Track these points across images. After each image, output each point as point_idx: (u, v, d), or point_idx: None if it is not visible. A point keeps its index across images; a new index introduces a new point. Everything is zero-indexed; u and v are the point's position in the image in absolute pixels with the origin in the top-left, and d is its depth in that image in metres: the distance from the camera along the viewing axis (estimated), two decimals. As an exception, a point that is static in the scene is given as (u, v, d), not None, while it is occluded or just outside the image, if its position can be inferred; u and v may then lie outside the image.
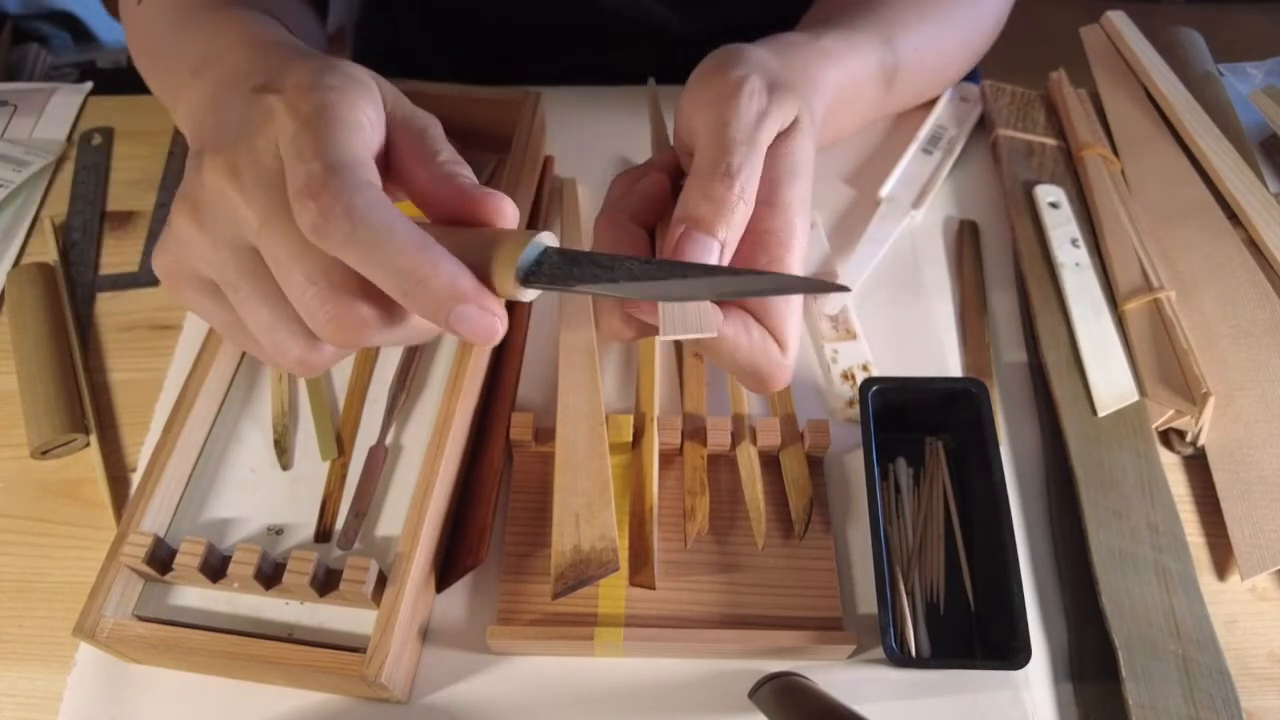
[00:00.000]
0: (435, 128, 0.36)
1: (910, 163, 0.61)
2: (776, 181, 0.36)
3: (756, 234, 0.35)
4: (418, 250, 0.29)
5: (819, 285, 0.32)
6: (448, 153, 0.35)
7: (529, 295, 0.32)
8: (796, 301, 0.36)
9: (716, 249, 0.33)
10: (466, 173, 0.34)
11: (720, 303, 0.35)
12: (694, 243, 0.33)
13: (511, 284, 0.31)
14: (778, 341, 0.35)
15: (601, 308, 0.37)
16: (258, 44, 0.40)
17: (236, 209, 0.31)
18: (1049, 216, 0.57)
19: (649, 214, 0.38)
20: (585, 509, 0.42)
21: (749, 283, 0.31)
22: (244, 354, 0.49)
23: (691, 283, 0.31)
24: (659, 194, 0.39)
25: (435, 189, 0.34)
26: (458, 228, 0.33)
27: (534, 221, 0.57)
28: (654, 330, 0.35)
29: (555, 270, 0.31)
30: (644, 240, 0.37)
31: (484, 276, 0.31)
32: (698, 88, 0.38)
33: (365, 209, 0.29)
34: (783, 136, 0.37)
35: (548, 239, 0.32)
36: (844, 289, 0.32)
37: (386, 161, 0.36)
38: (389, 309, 0.32)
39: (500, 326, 0.31)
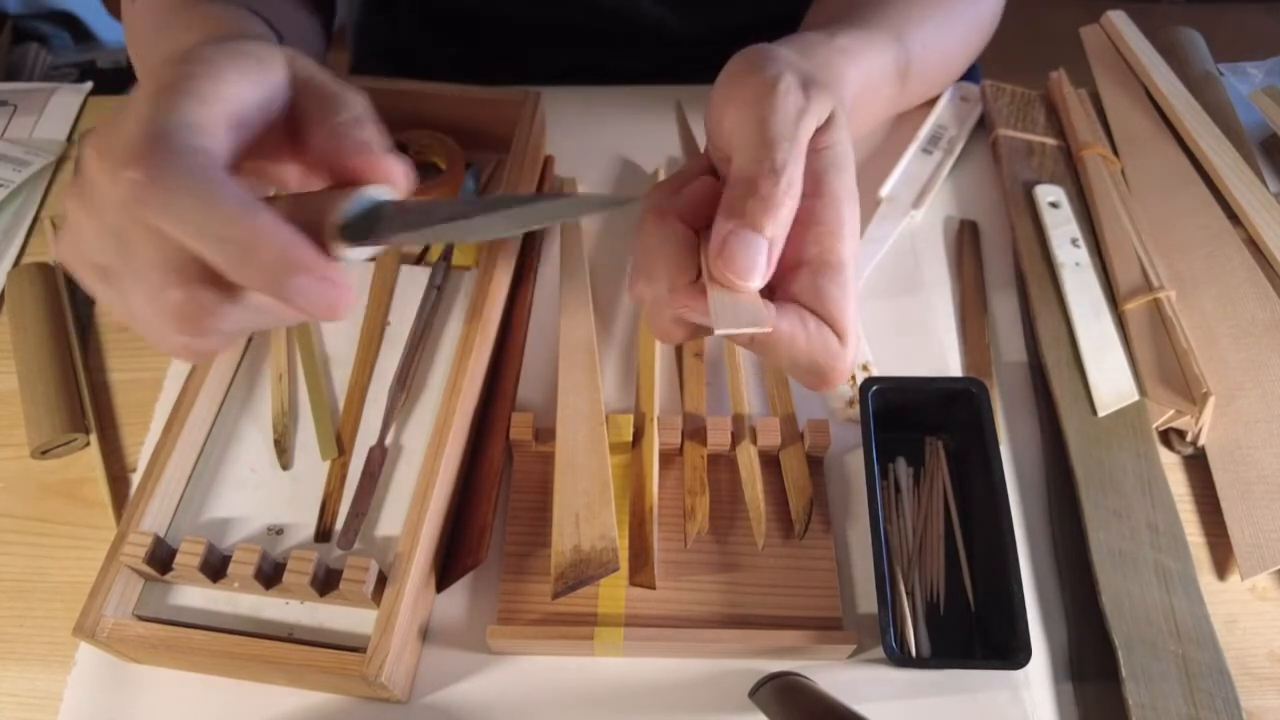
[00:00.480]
0: (357, 101, 0.34)
1: (910, 162, 0.61)
2: (821, 174, 0.36)
3: (806, 226, 0.35)
4: (242, 214, 0.27)
5: (612, 201, 0.31)
6: (348, 114, 0.33)
7: (358, 254, 0.30)
8: (851, 288, 0.35)
9: (764, 246, 0.33)
10: (364, 134, 0.32)
11: (773, 297, 0.34)
12: (741, 241, 0.33)
13: (337, 243, 0.29)
14: (835, 332, 0.35)
15: (651, 310, 0.36)
16: (217, 37, 0.39)
17: (104, 189, 0.30)
18: (1049, 216, 0.57)
19: (697, 217, 0.37)
20: (585, 509, 0.42)
21: (550, 208, 0.30)
22: (244, 354, 0.49)
23: (493, 216, 0.29)
24: (709, 196, 0.37)
25: (325, 145, 0.32)
26: (298, 194, 0.31)
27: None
28: (706, 331, 0.35)
29: (373, 225, 0.29)
30: (691, 239, 0.36)
31: (319, 242, 0.29)
32: (730, 88, 0.37)
33: (182, 172, 0.27)
34: (820, 132, 0.37)
35: (379, 193, 0.30)
36: (631, 200, 0.31)
37: (294, 135, 0.34)
38: (227, 289, 0.29)
39: (341, 298, 0.29)
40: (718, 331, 0.32)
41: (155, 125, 0.28)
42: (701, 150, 0.41)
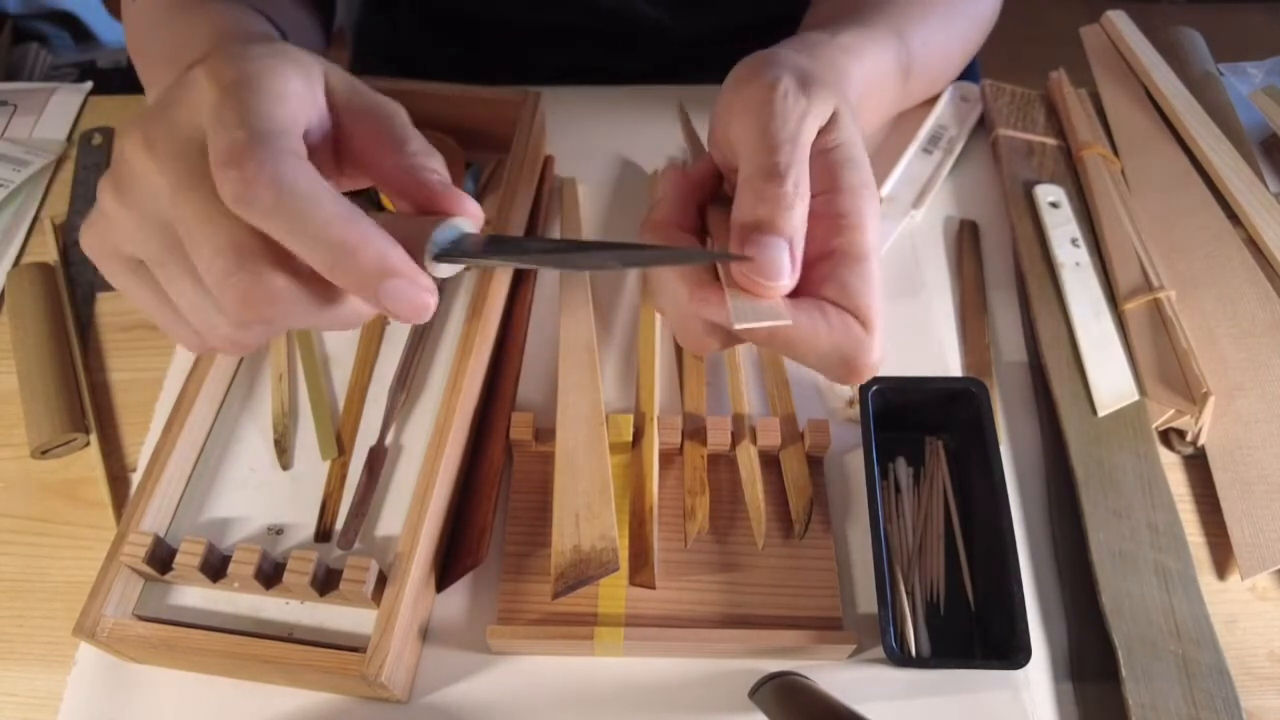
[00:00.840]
0: (402, 114, 0.35)
1: (910, 162, 0.61)
2: (835, 170, 0.36)
3: (828, 218, 0.35)
4: (346, 221, 0.29)
5: (721, 255, 0.32)
6: (419, 143, 0.34)
7: (444, 271, 0.32)
8: (875, 278, 0.35)
9: (785, 247, 0.33)
10: (437, 166, 0.34)
11: (799, 294, 0.34)
12: (761, 245, 0.32)
13: (429, 262, 0.31)
14: (860, 321, 0.34)
15: (678, 324, 0.36)
16: (226, 34, 0.40)
17: (153, 180, 0.31)
18: (1049, 216, 0.57)
19: (709, 186, 0.38)
20: (585, 509, 0.42)
21: (652, 255, 0.32)
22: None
23: (594, 254, 0.31)
24: (716, 172, 0.38)
25: (403, 178, 0.33)
26: (391, 215, 0.33)
27: (534, 222, 0.57)
28: (740, 338, 0.35)
29: (471, 247, 0.32)
30: (694, 243, 0.37)
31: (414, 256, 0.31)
32: (732, 95, 0.37)
33: (291, 178, 0.28)
34: (824, 132, 0.37)
35: (465, 225, 0.33)
36: (746, 259, 0.32)
37: (338, 146, 0.35)
38: (310, 285, 0.30)
39: (431, 302, 0.30)
40: (737, 327, 0.32)
41: (254, 125, 0.29)
42: (706, 150, 0.41)
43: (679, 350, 0.51)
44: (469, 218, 0.33)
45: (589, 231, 0.58)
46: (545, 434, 0.47)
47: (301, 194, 0.28)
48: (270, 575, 0.40)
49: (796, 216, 0.33)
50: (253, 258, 0.29)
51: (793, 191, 0.33)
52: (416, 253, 0.31)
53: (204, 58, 0.32)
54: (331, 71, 0.35)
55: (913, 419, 0.47)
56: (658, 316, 0.52)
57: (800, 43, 0.43)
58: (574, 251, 0.32)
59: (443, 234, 0.32)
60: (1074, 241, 0.56)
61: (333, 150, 0.35)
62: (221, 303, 0.30)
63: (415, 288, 0.30)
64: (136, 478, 0.47)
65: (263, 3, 0.46)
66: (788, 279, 0.33)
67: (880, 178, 0.59)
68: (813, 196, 0.35)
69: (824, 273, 0.35)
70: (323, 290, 0.31)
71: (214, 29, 0.40)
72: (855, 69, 0.45)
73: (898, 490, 0.46)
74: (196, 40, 0.40)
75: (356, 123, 0.35)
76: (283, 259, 0.30)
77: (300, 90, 0.33)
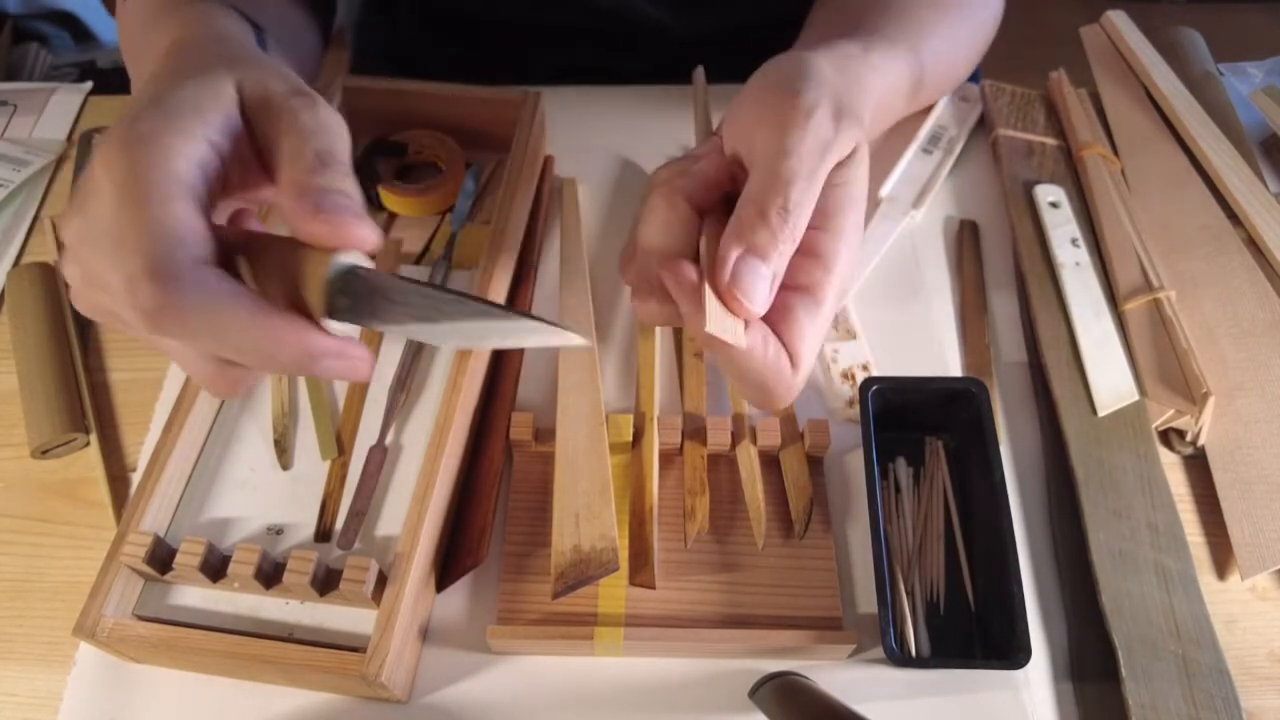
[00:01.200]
0: (306, 116, 0.33)
1: (910, 162, 0.61)
2: (834, 209, 0.36)
3: (805, 255, 0.35)
4: (257, 329, 0.30)
5: (573, 340, 0.32)
6: (309, 156, 0.32)
7: (342, 330, 0.32)
8: (823, 326, 0.36)
9: (769, 277, 0.34)
10: (329, 189, 0.32)
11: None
12: (750, 269, 0.33)
13: (325, 320, 0.31)
14: (791, 359, 0.35)
15: (636, 280, 0.37)
16: (179, 45, 0.39)
17: (100, 273, 0.31)
18: (1049, 216, 0.57)
19: (703, 199, 0.37)
20: (585, 509, 0.42)
21: (509, 329, 0.31)
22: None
23: (457, 325, 0.31)
24: (716, 179, 0.38)
25: (292, 204, 0.32)
26: (274, 240, 0.32)
27: (534, 220, 0.57)
28: (678, 318, 0.35)
29: (356, 304, 0.31)
30: (694, 222, 0.37)
31: (298, 300, 0.31)
32: (761, 101, 0.37)
33: (190, 305, 0.29)
34: (840, 166, 0.37)
35: (350, 258, 0.31)
36: (587, 346, 0.33)
37: (259, 150, 0.34)
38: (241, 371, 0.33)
39: (365, 368, 0.32)
40: (707, 329, 0.33)
41: (147, 250, 0.29)
42: (713, 132, 0.41)
43: (679, 350, 0.51)
44: (353, 249, 0.32)
45: (588, 233, 0.58)
46: (545, 434, 0.47)
47: (205, 313, 0.29)
48: (270, 575, 0.40)
49: (785, 253, 0.34)
50: (208, 364, 0.32)
51: (790, 232, 0.34)
52: (310, 311, 0.31)
53: (134, 105, 0.33)
54: (248, 81, 0.34)
55: (913, 419, 0.47)
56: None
57: (837, 57, 0.42)
58: (439, 322, 0.31)
59: (329, 280, 0.31)
60: (1074, 241, 0.56)
61: (249, 164, 0.35)
62: (198, 380, 0.33)
63: (346, 360, 0.31)
64: (136, 478, 0.47)
65: (247, 4, 0.46)
66: (760, 308, 0.34)
67: (880, 178, 0.60)
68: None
69: (782, 302, 0.35)
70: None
71: (173, 38, 0.40)
72: (877, 87, 0.45)
73: (898, 490, 0.46)
74: (160, 51, 0.40)
75: (268, 133, 0.34)
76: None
77: (197, 152, 0.32)
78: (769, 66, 0.39)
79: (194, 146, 0.32)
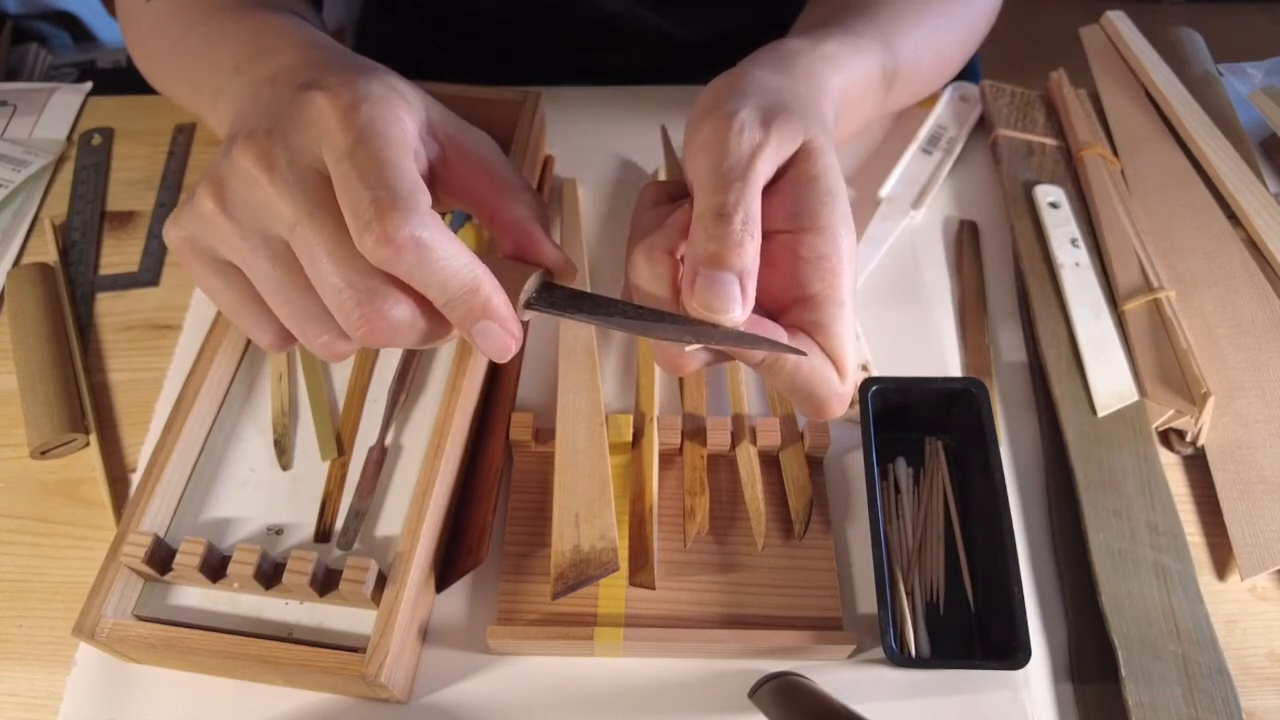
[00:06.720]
0: (495, 149, 0.39)
1: (910, 163, 0.61)
2: (814, 208, 0.36)
3: (808, 261, 0.35)
4: (469, 269, 0.32)
5: (781, 347, 0.33)
6: (524, 193, 0.38)
7: (527, 315, 0.36)
8: (851, 325, 0.36)
9: (734, 281, 0.33)
10: (539, 216, 0.37)
11: (786, 324, 0.35)
12: (710, 280, 0.33)
13: (520, 305, 0.35)
14: (835, 366, 0.35)
15: (656, 342, 0.37)
16: (305, 44, 0.40)
17: (269, 200, 0.32)
18: (1049, 216, 0.57)
19: (680, 244, 0.37)
20: (585, 509, 0.42)
21: (724, 335, 0.33)
22: (244, 354, 0.49)
23: (670, 327, 0.34)
24: (688, 224, 0.38)
25: (514, 227, 0.37)
26: (494, 259, 0.36)
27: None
28: (715, 359, 0.36)
29: (560, 300, 0.36)
30: (675, 269, 0.36)
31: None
32: (696, 125, 0.37)
33: (430, 242, 0.31)
34: (801, 163, 0.37)
35: (547, 275, 0.37)
36: (800, 353, 0.34)
37: (434, 173, 0.37)
38: (424, 315, 0.34)
39: (513, 345, 0.34)
40: (687, 350, 0.34)
41: (392, 185, 0.31)
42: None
43: (679, 350, 0.51)
44: (562, 271, 0.37)
45: (589, 233, 0.58)
46: (545, 434, 0.47)
47: (439, 253, 0.31)
48: (270, 575, 0.40)
49: (746, 253, 0.34)
50: (380, 295, 0.32)
51: (740, 229, 0.33)
52: (513, 297, 0.34)
53: (315, 80, 0.34)
54: (429, 104, 0.38)
55: (913, 419, 0.47)
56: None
57: (778, 54, 0.43)
58: (652, 321, 0.34)
59: (534, 283, 0.35)
60: (1074, 242, 0.56)
61: (429, 177, 0.37)
62: (345, 328, 0.33)
63: (504, 333, 0.34)
64: (136, 478, 0.47)
65: (294, 8, 0.47)
66: (739, 311, 0.33)
67: (880, 178, 0.60)
68: (790, 234, 0.35)
69: (806, 313, 0.35)
70: (433, 319, 0.34)
71: (288, 39, 0.41)
72: (835, 79, 0.44)
73: (898, 490, 0.46)
74: (273, 49, 0.40)
75: (459, 157, 0.38)
76: (403, 291, 0.33)
77: (414, 132, 0.35)
78: (705, 91, 0.39)
79: (414, 127, 0.35)
